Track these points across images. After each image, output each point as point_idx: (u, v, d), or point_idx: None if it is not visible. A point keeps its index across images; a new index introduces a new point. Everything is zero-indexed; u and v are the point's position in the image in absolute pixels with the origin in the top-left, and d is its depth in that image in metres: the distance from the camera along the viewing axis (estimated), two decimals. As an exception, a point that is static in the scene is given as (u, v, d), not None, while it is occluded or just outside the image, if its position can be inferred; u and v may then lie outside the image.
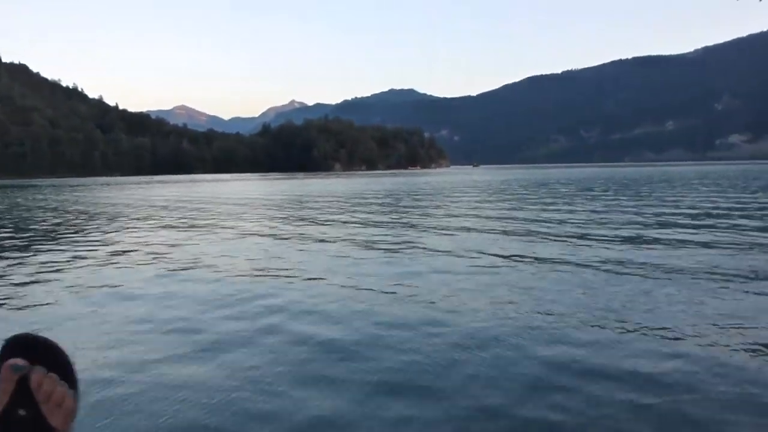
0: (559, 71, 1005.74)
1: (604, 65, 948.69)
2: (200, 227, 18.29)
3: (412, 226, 17.41)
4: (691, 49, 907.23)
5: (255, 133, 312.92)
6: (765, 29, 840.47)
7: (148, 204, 32.63)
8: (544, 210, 22.01)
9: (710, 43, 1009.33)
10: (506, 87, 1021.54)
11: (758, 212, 19.82)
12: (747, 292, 7.97)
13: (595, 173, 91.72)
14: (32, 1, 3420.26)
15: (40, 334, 1.02)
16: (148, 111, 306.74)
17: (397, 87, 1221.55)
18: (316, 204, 28.82)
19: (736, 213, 19.34)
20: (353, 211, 23.58)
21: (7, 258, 12.73)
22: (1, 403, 1.01)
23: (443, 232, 15.61)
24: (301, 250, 12.91)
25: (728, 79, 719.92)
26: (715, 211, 20.01)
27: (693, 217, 18.20)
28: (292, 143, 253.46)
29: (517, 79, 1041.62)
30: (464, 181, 62.47)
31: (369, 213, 22.80)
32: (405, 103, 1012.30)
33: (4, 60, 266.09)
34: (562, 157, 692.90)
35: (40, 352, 1.06)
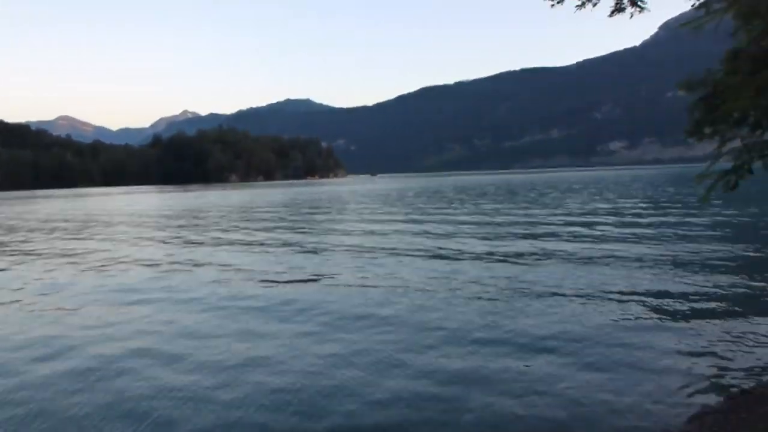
0: (452, 82, 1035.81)
1: (494, 76, 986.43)
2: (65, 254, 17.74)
3: (313, 235, 17.67)
4: (573, 62, 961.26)
5: (146, 144, 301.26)
6: (637, 44, 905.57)
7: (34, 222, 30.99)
8: (442, 213, 22.87)
9: (589, 56, 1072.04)
10: (401, 97, 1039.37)
11: (628, 214, 21.54)
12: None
13: (488, 180, 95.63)
14: None
15: None
16: (27, 122, 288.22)
17: (294, 97, 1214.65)
18: (211, 217, 28.45)
19: (609, 215, 20.96)
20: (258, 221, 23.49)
21: None
22: None
23: (344, 237, 16.00)
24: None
25: (606, 90, 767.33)
26: (591, 215, 21.58)
27: (568, 219, 19.60)
28: (186, 154, 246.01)
29: (412, 90, 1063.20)
30: (362, 191, 63.32)
31: (270, 224, 22.82)
32: (302, 113, 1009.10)
33: None
34: (457, 165, 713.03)
35: None
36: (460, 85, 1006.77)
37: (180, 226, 23.25)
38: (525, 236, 15.76)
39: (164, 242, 17.35)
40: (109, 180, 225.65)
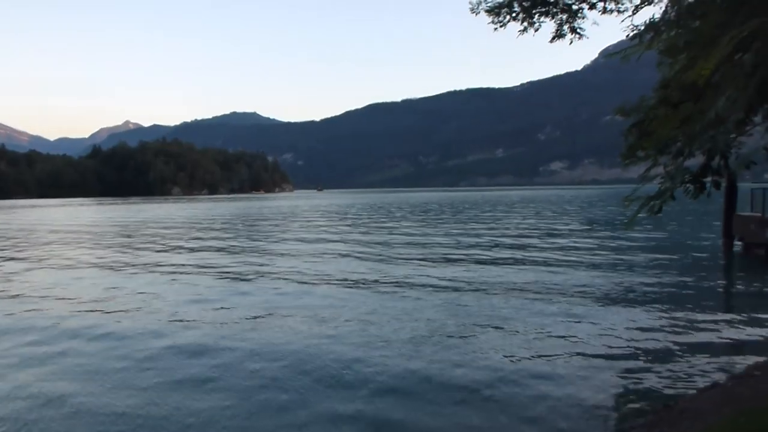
0: (400, 99, 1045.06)
1: (440, 95, 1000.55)
2: None
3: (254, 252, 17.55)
4: (517, 83, 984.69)
5: (85, 155, 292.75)
6: (578, 68, 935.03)
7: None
8: (381, 232, 23.01)
9: (533, 78, 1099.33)
10: (348, 113, 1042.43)
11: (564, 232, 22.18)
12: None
13: (433, 197, 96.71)
14: None
15: None
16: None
17: (240, 110, 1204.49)
18: (151, 233, 27.84)
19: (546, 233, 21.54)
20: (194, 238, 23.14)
21: None
22: None
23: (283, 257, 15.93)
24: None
25: (549, 112, 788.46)
26: (527, 233, 22.12)
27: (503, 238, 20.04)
28: (126, 166, 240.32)
29: (360, 106, 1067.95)
30: (308, 206, 63.10)
31: (209, 239, 22.52)
32: (248, 126, 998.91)
33: None
34: (402, 182, 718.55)
35: None
36: (407, 103, 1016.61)
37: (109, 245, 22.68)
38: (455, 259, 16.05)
39: (90, 264, 16.91)
40: (44, 191, 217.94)
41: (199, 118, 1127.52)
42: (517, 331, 8.31)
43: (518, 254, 14.99)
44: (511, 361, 7.05)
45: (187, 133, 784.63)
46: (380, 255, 14.43)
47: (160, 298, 10.92)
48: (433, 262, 13.58)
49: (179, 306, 10.20)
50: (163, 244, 20.26)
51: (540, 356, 7.23)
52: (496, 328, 8.50)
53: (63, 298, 11.07)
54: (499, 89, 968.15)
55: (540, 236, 19.82)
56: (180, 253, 17.28)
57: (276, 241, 19.64)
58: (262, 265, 14.54)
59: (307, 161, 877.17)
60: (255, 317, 9.10)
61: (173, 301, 10.60)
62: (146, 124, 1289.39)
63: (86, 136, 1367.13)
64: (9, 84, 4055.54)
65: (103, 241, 22.53)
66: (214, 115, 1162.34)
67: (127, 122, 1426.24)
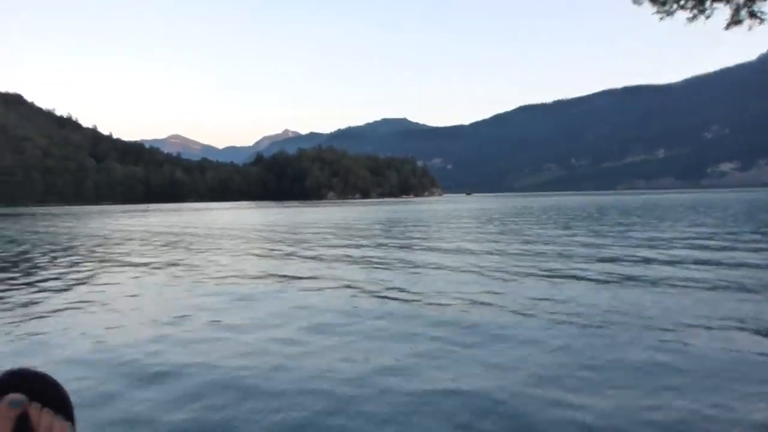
0: (550, 101, 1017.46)
1: (594, 95, 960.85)
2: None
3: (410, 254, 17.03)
4: (679, 79, 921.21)
5: (249, 162, 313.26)
6: (744, 61, 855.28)
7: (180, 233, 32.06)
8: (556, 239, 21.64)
9: (697, 73, 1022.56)
10: (498, 116, 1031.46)
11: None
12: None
13: (596, 201, 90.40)
14: (27, 31, 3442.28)
15: (34, 367, 0.99)
16: (142, 140, 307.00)
17: (390, 116, 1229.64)
18: (316, 232, 28.39)
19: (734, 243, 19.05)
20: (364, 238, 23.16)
21: None
22: None
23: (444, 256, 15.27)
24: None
25: (715, 109, 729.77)
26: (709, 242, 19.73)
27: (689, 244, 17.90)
28: (286, 172, 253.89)
29: (509, 109, 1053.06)
30: (461, 210, 62.01)
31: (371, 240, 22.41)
32: (398, 131, 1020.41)
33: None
34: (553, 186, 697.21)
35: (36, 386, 1.02)
36: (558, 104, 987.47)
37: (292, 241, 23.24)
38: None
39: (274, 257, 17.20)
40: (214, 196, 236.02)
41: (351, 125, 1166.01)
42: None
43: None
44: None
45: (341, 139, 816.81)
46: (554, 271, 13.14)
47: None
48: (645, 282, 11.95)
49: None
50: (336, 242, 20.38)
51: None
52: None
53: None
54: (659, 86, 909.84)
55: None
56: (360, 249, 17.14)
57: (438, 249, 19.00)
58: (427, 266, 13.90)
59: (455, 165, 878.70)
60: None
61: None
62: (303, 132, 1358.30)
63: (250, 144, 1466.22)
64: (184, 99, 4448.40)
65: (277, 240, 23.18)
66: (366, 122, 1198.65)
67: (286, 131, 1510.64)
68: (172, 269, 15.23)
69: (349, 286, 11.70)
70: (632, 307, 9.02)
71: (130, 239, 27.33)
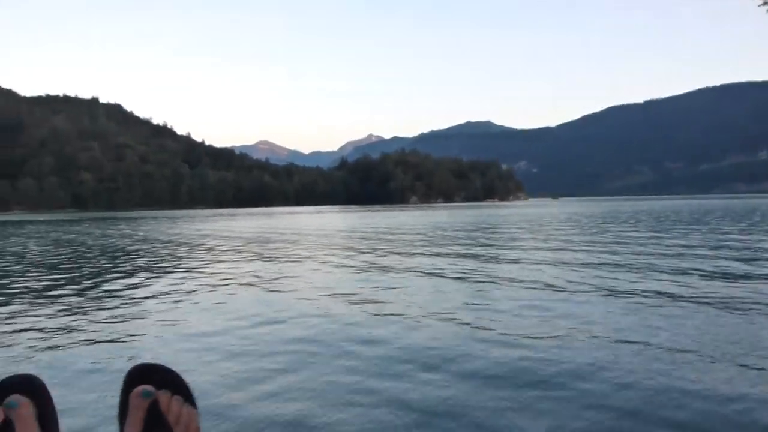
0: (642, 101, 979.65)
1: (688, 94, 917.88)
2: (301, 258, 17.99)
3: (500, 259, 16.54)
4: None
5: (333, 166, 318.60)
6: None
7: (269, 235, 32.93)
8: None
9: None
10: (586, 117, 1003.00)
11: None
12: None
13: (703, 206, 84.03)
14: (127, 45, 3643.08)
15: (158, 362, 1.06)
16: (232, 146, 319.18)
17: (474, 119, 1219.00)
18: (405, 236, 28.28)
19: None
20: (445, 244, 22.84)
21: (105, 284, 12.75)
22: (137, 430, 1.03)
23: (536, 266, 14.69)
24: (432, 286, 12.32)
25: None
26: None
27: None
28: (370, 176, 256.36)
29: (598, 110, 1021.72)
30: (554, 215, 59.97)
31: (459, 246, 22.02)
32: (482, 134, 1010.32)
33: (101, 101, 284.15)
34: (645, 189, 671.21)
35: (161, 378, 1.09)
36: (650, 104, 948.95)
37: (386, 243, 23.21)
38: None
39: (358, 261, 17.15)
40: (300, 200, 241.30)
41: (435, 128, 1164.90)
42: None
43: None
44: None
45: (425, 143, 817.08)
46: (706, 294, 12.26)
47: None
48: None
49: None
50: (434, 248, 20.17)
51: None
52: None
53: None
54: (759, 83, 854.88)
55: None
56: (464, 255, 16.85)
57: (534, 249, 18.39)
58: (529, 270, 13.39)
59: (542, 169, 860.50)
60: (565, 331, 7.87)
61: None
62: (387, 136, 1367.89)
63: (335, 149, 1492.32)
64: (272, 106, 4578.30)
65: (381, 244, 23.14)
66: (450, 125, 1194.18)
67: (370, 135, 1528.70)
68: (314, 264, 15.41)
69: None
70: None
71: (266, 240, 28.06)
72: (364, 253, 19.24)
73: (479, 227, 35.07)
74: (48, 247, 26.55)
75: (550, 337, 7.25)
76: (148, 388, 1.04)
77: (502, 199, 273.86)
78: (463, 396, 5.20)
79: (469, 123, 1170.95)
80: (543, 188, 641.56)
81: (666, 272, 12.92)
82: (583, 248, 18.77)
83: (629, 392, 5.22)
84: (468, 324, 8.01)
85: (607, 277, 12.25)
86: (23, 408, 1.00)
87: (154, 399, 1.04)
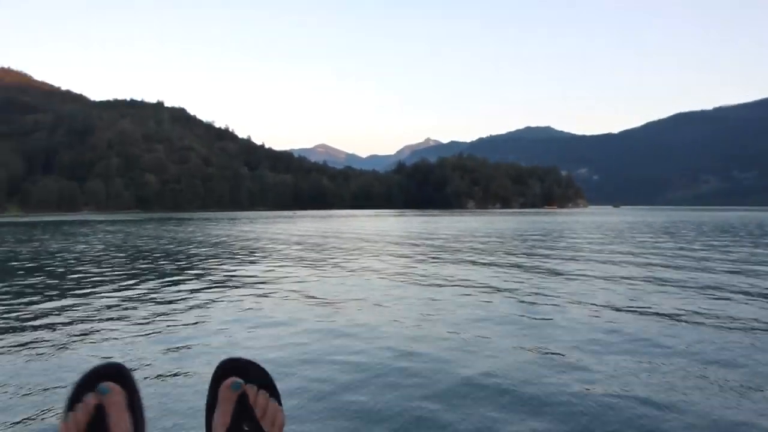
0: (711, 107, 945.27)
1: (763, 101, 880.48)
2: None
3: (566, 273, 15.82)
4: None
5: (390, 170, 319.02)
6: None
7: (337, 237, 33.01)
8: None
9: None
10: (650, 124, 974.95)
11: None
12: None
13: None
14: (190, 52, 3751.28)
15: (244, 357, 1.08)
16: (291, 149, 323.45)
17: (533, 124, 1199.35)
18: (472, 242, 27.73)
19: None
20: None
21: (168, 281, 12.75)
22: (225, 420, 1.05)
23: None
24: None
25: None
26: None
27: None
28: (426, 180, 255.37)
29: (663, 116, 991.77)
30: (617, 223, 58.18)
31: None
32: (541, 140, 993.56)
33: (166, 105, 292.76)
34: (712, 199, 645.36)
35: (250, 372, 1.11)
36: (720, 111, 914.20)
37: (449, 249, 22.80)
38: None
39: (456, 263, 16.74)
40: (356, 203, 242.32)
41: (493, 133, 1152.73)
42: None
43: None
44: None
45: (482, 148, 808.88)
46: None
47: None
48: None
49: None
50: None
51: None
52: None
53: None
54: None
55: None
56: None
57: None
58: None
59: (603, 176, 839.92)
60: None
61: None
62: (444, 140, 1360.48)
63: (392, 153, 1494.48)
64: (331, 110, 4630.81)
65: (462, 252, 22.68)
66: (508, 130, 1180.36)
67: (427, 139, 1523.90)
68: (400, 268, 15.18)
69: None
70: None
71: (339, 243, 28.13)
72: (443, 262, 18.38)
73: (550, 235, 33.66)
74: (131, 245, 27.17)
75: (653, 376, 5.73)
76: (238, 380, 1.07)
77: (561, 206, 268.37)
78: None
79: (528, 128, 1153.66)
80: (603, 196, 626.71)
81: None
82: (674, 262, 17.00)
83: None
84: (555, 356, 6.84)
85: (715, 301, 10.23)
86: (115, 394, 1.03)
87: (242, 392, 1.06)
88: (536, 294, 10.61)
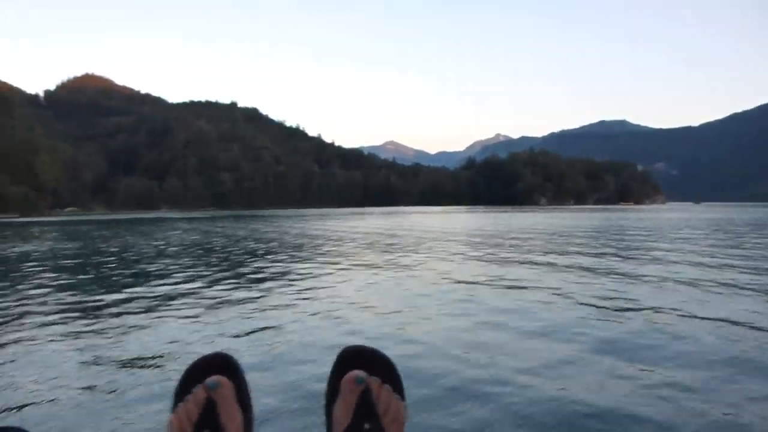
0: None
1: None
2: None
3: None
4: None
5: (460, 166, 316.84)
6: None
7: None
8: None
9: None
10: (734, 116, 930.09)
11: None
12: None
13: None
14: (262, 53, 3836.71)
15: (368, 345, 0.99)
16: (360, 147, 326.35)
17: (608, 118, 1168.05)
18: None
19: None
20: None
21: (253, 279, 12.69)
22: (347, 417, 1.01)
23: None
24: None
25: None
26: None
27: None
28: (497, 176, 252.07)
29: (749, 107, 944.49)
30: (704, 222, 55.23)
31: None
32: (616, 134, 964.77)
33: (239, 105, 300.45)
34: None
35: (374, 363, 1.06)
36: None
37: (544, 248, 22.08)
38: None
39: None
40: (425, 200, 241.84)
41: (566, 128, 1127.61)
42: None
43: None
44: None
45: (554, 144, 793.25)
46: None
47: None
48: None
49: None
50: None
51: None
52: None
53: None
54: None
55: None
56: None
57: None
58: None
59: (682, 171, 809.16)
60: None
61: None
62: (515, 136, 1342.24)
63: (461, 149, 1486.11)
64: (399, 107, 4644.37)
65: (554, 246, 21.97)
66: (581, 124, 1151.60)
67: (497, 135, 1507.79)
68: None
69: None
70: None
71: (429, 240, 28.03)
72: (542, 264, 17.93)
73: (640, 233, 31.65)
74: (224, 240, 27.72)
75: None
76: (362, 374, 1.02)
77: (637, 202, 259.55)
78: None
79: (602, 122, 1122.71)
80: (682, 191, 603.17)
81: None
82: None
83: None
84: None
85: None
86: (224, 388, 1.02)
87: (366, 386, 1.02)
88: (643, 305, 9.60)
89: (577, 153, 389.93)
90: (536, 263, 14.81)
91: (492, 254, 17.71)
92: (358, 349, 1.08)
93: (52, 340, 6.85)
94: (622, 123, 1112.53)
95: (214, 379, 1.03)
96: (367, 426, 1.00)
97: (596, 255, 16.78)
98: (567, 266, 14.09)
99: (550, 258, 16.24)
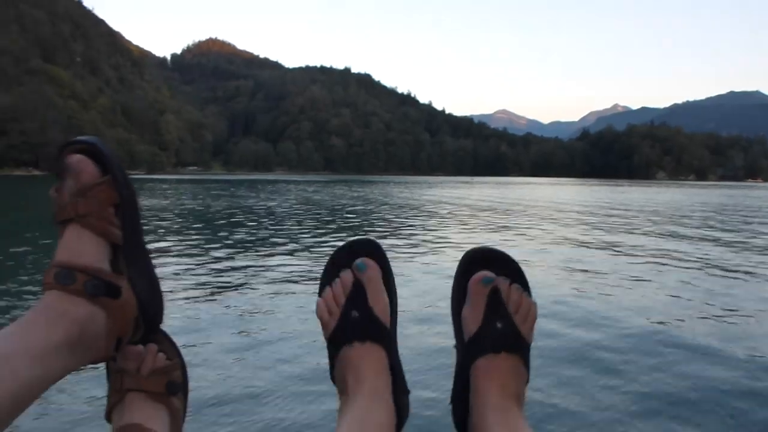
0: None
1: None
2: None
3: None
4: None
5: (574, 137, 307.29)
6: None
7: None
8: None
9: None
10: None
11: None
12: None
13: None
14: (374, 18, 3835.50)
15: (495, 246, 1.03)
16: (471, 115, 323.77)
17: (738, 89, 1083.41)
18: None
19: None
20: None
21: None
22: (477, 317, 1.00)
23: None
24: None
25: None
26: None
27: None
28: (612, 149, 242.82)
29: None
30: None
31: None
32: (748, 106, 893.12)
33: (353, 71, 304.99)
34: None
35: (500, 264, 1.04)
36: None
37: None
38: None
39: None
40: (535, 170, 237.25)
41: (690, 99, 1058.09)
42: None
43: None
44: None
45: (677, 115, 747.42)
46: None
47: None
48: None
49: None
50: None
51: None
52: None
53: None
54: None
55: None
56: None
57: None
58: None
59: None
60: None
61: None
62: (634, 107, 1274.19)
63: (576, 119, 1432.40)
64: (512, 75, 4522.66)
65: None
66: (708, 95, 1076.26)
67: (615, 105, 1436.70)
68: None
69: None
70: None
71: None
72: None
73: None
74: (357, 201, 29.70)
75: None
76: (489, 274, 1.01)
77: (766, 180, 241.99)
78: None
79: (732, 93, 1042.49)
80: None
81: None
82: None
83: None
84: None
85: None
86: (372, 270, 1.03)
87: (494, 286, 1.01)
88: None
89: (701, 126, 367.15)
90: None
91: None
92: (484, 250, 1.06)
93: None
94: (755, 94, 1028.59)
95: (362, 260, 1.04)
96: (499, 325, 0.99)
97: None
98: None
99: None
